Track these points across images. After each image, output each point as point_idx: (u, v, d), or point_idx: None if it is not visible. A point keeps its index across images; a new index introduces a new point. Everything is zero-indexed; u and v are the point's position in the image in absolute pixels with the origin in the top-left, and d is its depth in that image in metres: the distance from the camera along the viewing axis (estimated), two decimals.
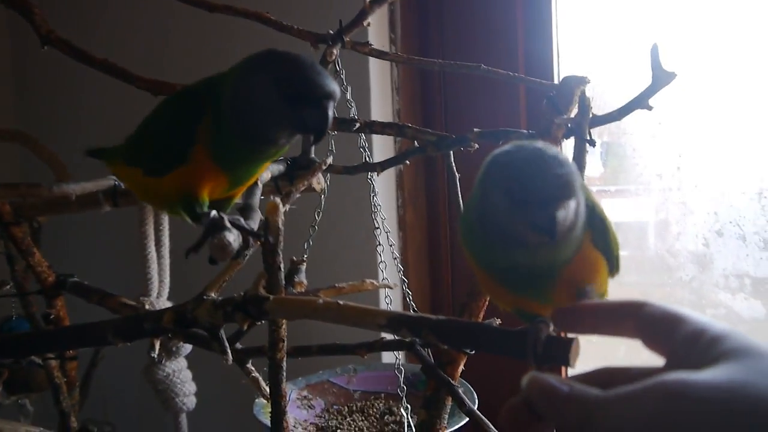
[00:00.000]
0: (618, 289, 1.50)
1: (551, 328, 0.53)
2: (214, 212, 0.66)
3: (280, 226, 0.64)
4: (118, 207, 1.05)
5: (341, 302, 0.62)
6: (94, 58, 0.99)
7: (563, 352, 0.49)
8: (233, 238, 0.63)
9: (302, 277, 0.72)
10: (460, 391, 0.81)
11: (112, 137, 0.85)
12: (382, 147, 1.48)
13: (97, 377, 1.41)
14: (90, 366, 1.42)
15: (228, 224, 0.64)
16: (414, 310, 1.15)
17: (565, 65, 1.43)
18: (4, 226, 1.10)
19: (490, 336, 0.53)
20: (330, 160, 0.87)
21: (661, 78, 0.78)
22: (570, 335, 0.51)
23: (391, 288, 0.93)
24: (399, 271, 1.18)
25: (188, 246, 0.69)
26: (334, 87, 0.66)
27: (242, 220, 0.67)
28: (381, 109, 1.48)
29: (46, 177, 1.44)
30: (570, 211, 0.49)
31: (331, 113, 0.65)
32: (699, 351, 0.41)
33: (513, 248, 0.52)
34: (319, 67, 0.66)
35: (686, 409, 0.36)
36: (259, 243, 0.67)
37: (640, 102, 0.80)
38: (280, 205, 0.63)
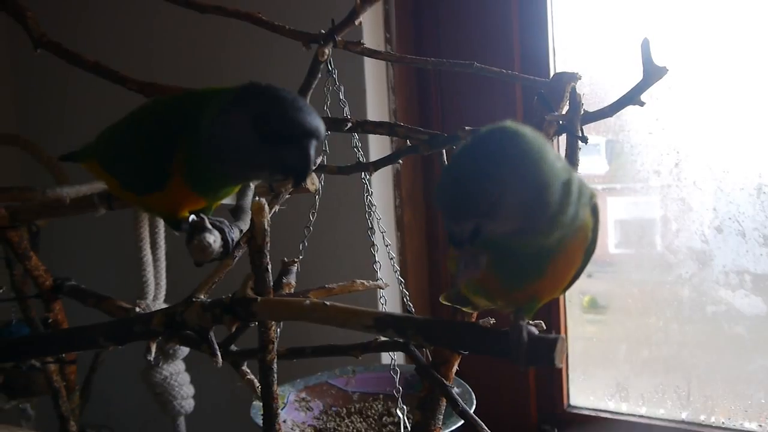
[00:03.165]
0: (620, 288, 1.48)
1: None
2: (192, 216, 0.66)
3: (266, 226, 0.63)
4: (113, 210, 1.06)
5: (328, 303, 0.61)
6: (85, 61, 0.99)
7: (548, 352, 0.49)
8: (213, 239, 0.62)
9: (291, 278, 0.72)
10: (453, 391, 0.81)
11: None
12: (379, 148, 1.48)
13: (100, 381, 1.41)
14: (90, 370, 1.43)
15: (209, 225, 0.64)
16: (409, 311, 1.14)
17: (561, 62, 1.42)
18: (1, 230, 1.10)
19: (475, 336, 0.53)
20: (319, 160, 0.86)
21: (652, 73, 0.77)
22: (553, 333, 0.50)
23: (382, 288, 0.93)
24: (395, 272, 1.18)
25: (184, 248, 0.68)
26: (317, 124, 0.61)
27: (225, 222, 0.66)
28: (377, 108, 1.48)
29: (49, 181, 1.45)
30: (502, 220, 0.49)
31: (312, 153, 0.60)
32: None
33: None
34: (301, 103, 0.61)
35: None
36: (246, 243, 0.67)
37: (631, 98, 0.79)
38: (266, 206, 0.63)
